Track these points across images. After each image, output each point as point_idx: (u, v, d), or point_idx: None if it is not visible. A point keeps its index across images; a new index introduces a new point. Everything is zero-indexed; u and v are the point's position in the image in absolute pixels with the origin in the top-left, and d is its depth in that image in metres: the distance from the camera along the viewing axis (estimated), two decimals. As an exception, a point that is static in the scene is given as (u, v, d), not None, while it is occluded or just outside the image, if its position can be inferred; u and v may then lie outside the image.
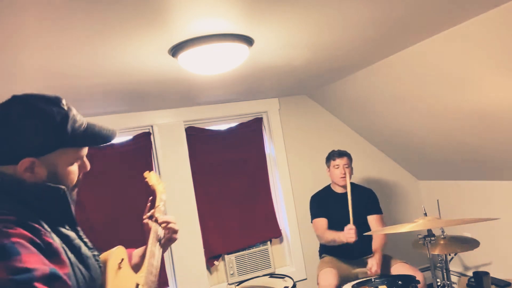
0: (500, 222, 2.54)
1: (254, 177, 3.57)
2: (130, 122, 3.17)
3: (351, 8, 1.66)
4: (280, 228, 3.63)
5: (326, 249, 3.09)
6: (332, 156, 3.09)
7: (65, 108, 0.99)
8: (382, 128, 3.47)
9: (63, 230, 0.99)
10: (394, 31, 2.04)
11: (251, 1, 1.45)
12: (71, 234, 1.01)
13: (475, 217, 2.47)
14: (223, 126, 3.56)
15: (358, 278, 2.68)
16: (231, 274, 3.39)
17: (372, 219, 3.08)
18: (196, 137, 3.42)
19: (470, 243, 2.27)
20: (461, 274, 3.44)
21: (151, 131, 3.28)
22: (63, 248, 0.94)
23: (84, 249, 1.02)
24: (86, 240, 1.07)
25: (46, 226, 0.92)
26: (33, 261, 0.80)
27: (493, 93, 2.31)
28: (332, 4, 1.59)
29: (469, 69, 2.26)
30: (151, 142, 3.27)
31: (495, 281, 2.56)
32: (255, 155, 3.60)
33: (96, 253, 1.07)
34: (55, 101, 0.99)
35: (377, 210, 3.13)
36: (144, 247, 1.35)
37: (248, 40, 1.85)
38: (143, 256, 1.29)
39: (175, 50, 1.82)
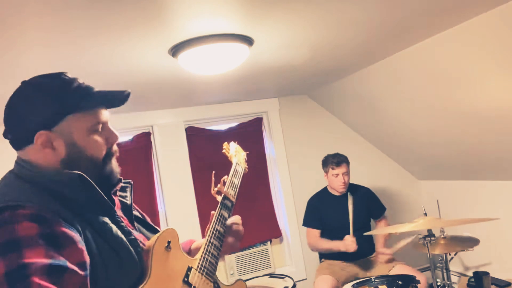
0: (500, 222, 2.53)
1: (254, 177, 3.57)
2: (130, 122, 3.17)
3: (351, 8, 1.66)
4: (280, 228, 3.62)
5: (325, 253, 3.09)
6: (330, 163, 3.02)
7: (66, 78, 1.00)
8: (382, 128, 3.47)
9: (91, 216, 0.95)
10: (394, 31, 2.04)
11: (251, 1, 1.45)
12: (101, 219, 0.97)
13: (475, 217, 2.47)
14: (223, 126, 3.56)
15: (358, 278, 2.68)
16: (231, 274, 3.39)
17: (381, 224, 3.13)
18: (196, 137, 3.42)
19: (470, 243, 2.27)
20: (461, 274, 3.44)
21: (151, 131, 3.28)
22: (88, 234, 0.91)
23: (115, 233, 0.97)
24: (123, 224, 1.02)
25: (65, 214, 0.89)
26: (34, 255, 0.79)
27: (493, 93, 2.31)
28: (332, 4, 1.59)
29: (469, 69, 2.26)
30: (151, 142, 3.27)
31: (495, 281, 2.55)
32: (255, 155, 3.59)
33: (132, 237, 1.01)
34: (55, 74, 1.00)
35: (381, 212, 3.13)
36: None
37: (248, 40, 1.85)
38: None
39: (175, 50, 1.82)
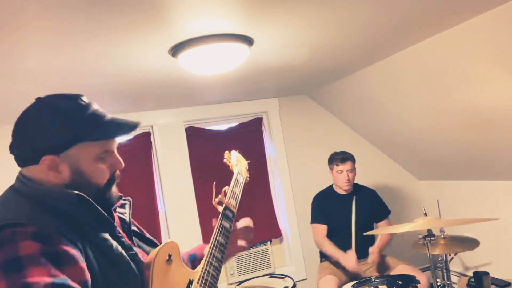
0: (500, 222, 2.53)
1: (254, 177, 3.56)
2: (130, 122, 3.17)
3: (351, 8, 1.66)
4: (280, 228, 3.63)
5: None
6: (335, 160, 3.02)
7: (83, 103, 0.99)
8: (382, 128, 3.47)
9: (92, 232, 0.96)
10: (394, 31, 2.04)
11: (251, 1, 1.45)
12: (102, 235, 0.97)
13: (475, 217, 2.47)
14: (223, 126, 3.56)
15: (358, 278, 2.68)
16: (231, 274, 3.39)
17: (381, 225, 3.11)
18: (196, 137, 3.42)
19: (470, 243, 2.27)
20: (461, 274, 3.44)
21: (151, 131, 3.28)
22: (89, 252, 0.92)
23: (115, 249, 0.98)
24: (123, 239, 1.02)
25: (66, 232, 0.90)
26: (37, 274, 0.79)
27: (493, 93, 2.31)
28: (332, 4, 1.59)
29: (469, 69, 2.26)
30: (151, 142, 3.27)
31: (495, 281, 2.55)
32: (255, 155, 3.59)
33: (133, 252, 1.02)
34: (72, 97, 1.00)
35: (385, 214, 3.12)
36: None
37: (248, 40, 1.85)
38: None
39: (175, 50, 1.82)
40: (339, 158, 3.00)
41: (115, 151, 1.06)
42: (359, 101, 3.34)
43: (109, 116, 1.03)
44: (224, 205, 1.29)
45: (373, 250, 2.86)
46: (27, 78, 1.91)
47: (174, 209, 3.25)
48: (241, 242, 1.28)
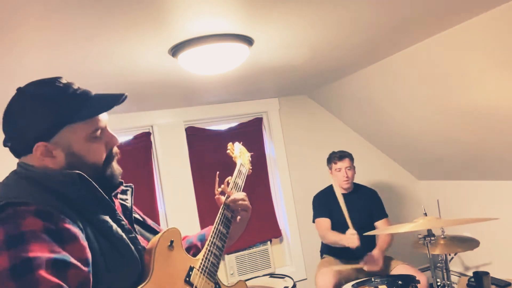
0: (500, 222, 2.53)
1: (254, 177, 3.57)
2: (130, 122, 3.17)
3: (351, 8, 1.66)
4: (280, 228, 3.63)
5: (327, 250, 3.08)
6: (333, 159, 3.04)
7: (61, 85, 0.98)
8: (382, 128, 3.47)
9: (92, 214, 0.95)
10: (393, 31, 2.04)
11: (251, 1, 1.45)
12: (102, 217, 0.97)
13: (475, 217, 2.47)
14: (223, 126, 3.56)
15: (358, 278, 2.68)
16: (231, 274, 3.39)
17: (380, 224, 3.09)
18: (196, 137, 3.42)
19: (470, 243, 2.27)
20: (461, 274, 3.44)
21: (151, 131, 3.28)
22: (89, 232, 0.92)
23: (115, 231, 0.97)
24: (123, 222, 1.02)
25: (67, 212, 0.90)
26: (39, 250, 0.80)
27: (493, 93, 2.31)
28: (332, 4, 1.59)
29: (468, 69, 2.26)
30: (151, 142, 3.27)
31: (495, 281, 2.55)
32: (255, 155, 3.59)
33: (133, 235, 1.02)
34: (50, 81, 0.98)
35: (383, 214, 3.12)
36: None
37: (248, 40, 1.85)
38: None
39: (175, 50, 1.82)
40: (337, 156, 3.03)
41: (107, 127, 1.04)
42: (359, 101, 3.34)
43: (92, 93, 1.01)
44: (226, 195, 1.30)
45: (375, 253, 2.85)
46: (26, 77, 1.91)
47: (174, 209, 3.25)
48: (238, 218, 1.30)
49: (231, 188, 1.35)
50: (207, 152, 3.44)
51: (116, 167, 1.06)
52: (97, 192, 0.97)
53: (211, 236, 1.20)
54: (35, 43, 1.53)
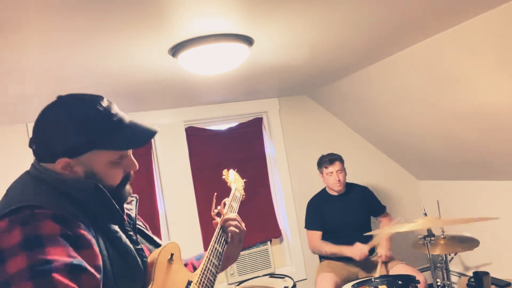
0: (500, 222, 2.53)
1: (254, 177, 3.57)
2: (130, 122, 3.17)
3: (351, 8, 1.66)
4: (280, 228, 3.63)
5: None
6: (324, 163, 3.04)
7: (101, 108, 0.99)
8: (382, 128, 3.47)
9: (103, 223, 0.98)
10: (394, 31, 2.04)
11: (251, 1, 1.45)
12: (113, 227, 1.00)
13: (475, 217, 2.47)
14: (223, 126, 3.56)
15: (358, 278, 2.68)
16: (231, 274, 3.39)
17: (383, 220, 3.11)
18: (196, 137, 3.42)
19: (470, 243, 2.27)
20: (461, 274, 3.44)
21: (151, 131, 3.27)
22: (100, 241, 0.94)
23: (124, 242, 1.00)
24: (131, 233, 1.05)
25: (82, 218, 0.92)
26: (56, 253, 0.82)
27: (493, 93, 2.31)
28: (332, 4, 1.59)
29: (469, 69, 2.26)
30: (151, 142, 3.27)
31: (495, 281, 2.55)
32: (255, 155, 3.59)
33: (139, 247, 1.05)
34: (92, 100, 0.99)
35: (381, 208, 3.14)
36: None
37: (248, 40, 1.85)
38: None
39: (175, 50, 1.82)
40: (327, 160, 3.02)
41: (131, 154, 1.08)
42: (359, 101, 3.34)
43: (127, 120, 1.03)
44: (222, 216, 1.35)
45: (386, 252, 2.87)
46: (25, 77, 1.91)
47: (174, 209, 3.25)
48: (232, 244, 1.34)
49: (227, 210, 1.41)
50: (207, 152, 3.44)
51: (128, 188, 1.09)
52: (110, 203, 1.00)
53: (208, 253, 1.23)
54: (35, 43, 1.53)
